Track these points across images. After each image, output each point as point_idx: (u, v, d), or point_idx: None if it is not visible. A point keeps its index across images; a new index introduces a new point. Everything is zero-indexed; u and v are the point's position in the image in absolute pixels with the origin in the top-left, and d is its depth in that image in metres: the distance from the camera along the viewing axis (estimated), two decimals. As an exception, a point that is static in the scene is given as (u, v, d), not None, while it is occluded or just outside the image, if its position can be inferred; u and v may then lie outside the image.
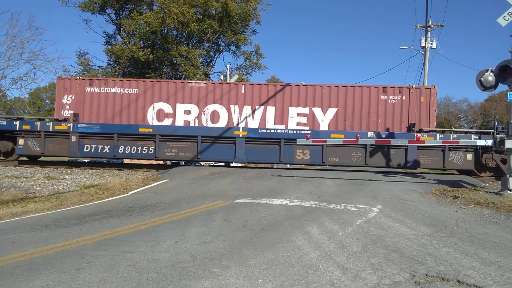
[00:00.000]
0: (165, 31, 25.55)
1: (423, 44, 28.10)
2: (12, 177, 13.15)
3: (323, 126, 14.82)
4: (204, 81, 16.29)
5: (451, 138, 14.10)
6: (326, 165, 15.01)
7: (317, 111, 14.89)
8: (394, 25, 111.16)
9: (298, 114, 14.94)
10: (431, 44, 28.27)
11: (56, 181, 12.82)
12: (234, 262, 4.45)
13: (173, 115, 15.12)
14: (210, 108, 15.10)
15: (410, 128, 14.52)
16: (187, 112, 15.12)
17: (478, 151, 14.10)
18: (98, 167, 15.65)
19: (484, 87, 9.91)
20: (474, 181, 12.00)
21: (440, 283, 3.89)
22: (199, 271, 4.16)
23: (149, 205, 8.15)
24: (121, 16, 27.77)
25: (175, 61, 25.83)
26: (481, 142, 11.39)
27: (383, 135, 14.45)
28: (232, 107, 15.05)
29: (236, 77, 27.77)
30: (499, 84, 9.81)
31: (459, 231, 5.93)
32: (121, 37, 27.09)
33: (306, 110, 14.92)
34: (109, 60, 27.79)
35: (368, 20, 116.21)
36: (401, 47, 31.36)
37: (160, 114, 15.14)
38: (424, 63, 27.66)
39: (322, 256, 4.64)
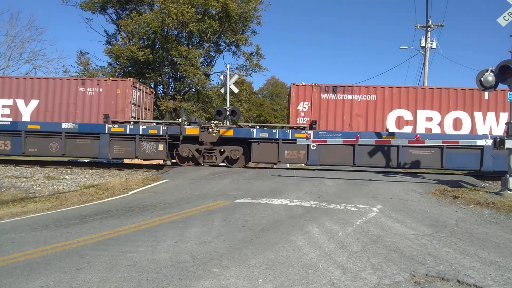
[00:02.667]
0: (165, 31, 25.54)
1: (423, 44, 28.08)
2: (12, 177, 13.16)
3: (25, 117, 15.31)
4: None
5: (140, 129, 15.10)
6: (26, 155, 15.84)
7: (20, 102, 15.38)
8: (394, 25, 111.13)
9: (3, 106, 15.37)
10: (431, 44, 28.25)
11: (56, 181, 12.83)
12: (234, 262, 4.45)
13: None
14: None
15: (103, 119, 15.20)
16: None
17: (171, 142, 15.10)
18: (98, 167, 15.65)
19: (484, 87, 9.91)
20: (475, 181, 12.00)
21: (440, 283, 3.89)
22: (199, 271, 4.16)
23: (149, 205, 8.15)
24: (121, 16, 27.78)
25: (175, 61, 25.83)
26: (481, 142, 11.38)
27: (76, 126, 15.16)
28: None
29: (236, 77, 27.69)
30: (499, 84, 9.81)
31: (459, 231, 5.93)
32: (121, 37, 27.10)
33: (9, 102, 15.39)
34: (109, 60, 27.84)
35: (368, 20, 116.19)
36: (401, 47, 31.33)
37: None
38: (424, 63, 27.66)
39: (322, 256, 4.64)
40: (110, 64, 27.77)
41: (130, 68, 26.62)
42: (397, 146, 14.21)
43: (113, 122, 15.08)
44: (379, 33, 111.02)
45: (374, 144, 14.09)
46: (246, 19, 27.46)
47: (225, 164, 15.46)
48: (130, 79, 15.65)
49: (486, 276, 4.08)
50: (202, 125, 15.54)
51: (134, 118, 15.83)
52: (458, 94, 14.69)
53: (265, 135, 14.67)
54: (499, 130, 14.36)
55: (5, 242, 5.63)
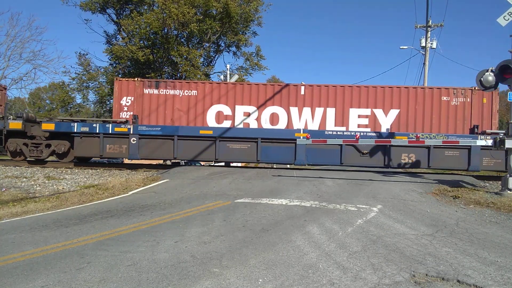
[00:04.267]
0: (165, 31, 25.53)
1: (423, 44, 28.13)
2: (12, 177, 13.15)
3: None
4: None
5: None
6: None
7: None
8: (394, 25, 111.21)
9: None
10: (431, 44, 28.29)
11: (56, 181, 12.82)
12: (234, 262, 4.45)
13: None
14: None
15: None
16: None
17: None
18: (98, 167, 15.65)
19: (484, 87, 9.90)
20: (474, 181, 12.00)
21: (440, 283, 3.89)
22: (199, 271, 4.16)
23: (149, 205, 8.15)
24: (121, 16, 27.76)
25: (175, 61, 25.82)
26: (481, 142, 11.38)
27: None
28: None
29: (236, 77, 27.75)
30: (499, 84, 9.81)
31: (459, 231, 5.93)
32: (121, 37, 27.10)
33: None
34: (110, 60, 27.83)
35: (368, 20, 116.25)
36: (401, 47, 31.39)
37: None
38: (424, 63, 27.69)
39: (322, 256, 4.64)
40: (110, 64, 27.81)
41: (130, 68, 26.62)
42: (214, 141, 14.65)
43: None
44: (379, 33, 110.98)
45: (195, 138, 14.75)
46: (246, 20, 27.45)
47: (56, 159, 15.84)
48: None
49: (486, 276, 4.08)
50: (30, 119, 15.60)
51: None
52: (275, 89, 15.07)
53: (86, 129, 14.90)
54: (314, 125, 14.77)
55: (5, 242, 5.63)
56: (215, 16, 26.07)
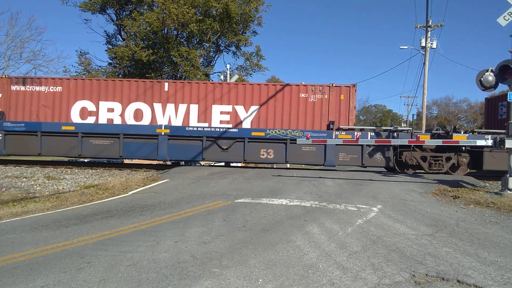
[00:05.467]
0: (165, 31, 25.52)
1: (423, 44, 28.11)
2: (12, 177, 13.15)
3: None
4: None
5: None
6: None
7: None
8: (394, 25, 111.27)
9: None
10: (431, 44, 28.28)
11: (56, 181, 12.82)
12: (234, 262, 4.45)
13: None
14: None
15: None
16: None
17: None
18: (98, 167, 15.66)
19: (484, 87, 9.91)
20: (475, 181, 12.00)
21: (440, 283, 3.89)
22: (199, 271, 4.16)
23: (149, 205, 8.15)
24: (121, 16, 27.75)
25: (175, 62, 25.81)
26: (481, 142, 11.37)
27: None
28: None
29: (236, 77, 27.73)
30: (499, 84, 9.81)
31: (459, 231, 5.93)
32: (122, 38, 27.07)
33: None
34: (110, 60, 27.82)
35: (368, 20, 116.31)
36: (401, 47, 31.41)
37: None
38: (424, 63, 27.67)
39: (322, 256, 4.64)
40: (110, 64, 27.81)
41: (130, 68, 26.62)
42: (78, 135, 14.86)
43: None
44: (380, 33, 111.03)
45: (59, 134, 14.85)
46: (246, 20, 27.43)
47: None
48: None
49: (486, 276, 4.08)
50: None
51: None
52: (139, 86, 15.30)
53: None
54: (178, 121, 15.08)
55: (5, 242, 5.63)
56: (215, 16, 26.06)
